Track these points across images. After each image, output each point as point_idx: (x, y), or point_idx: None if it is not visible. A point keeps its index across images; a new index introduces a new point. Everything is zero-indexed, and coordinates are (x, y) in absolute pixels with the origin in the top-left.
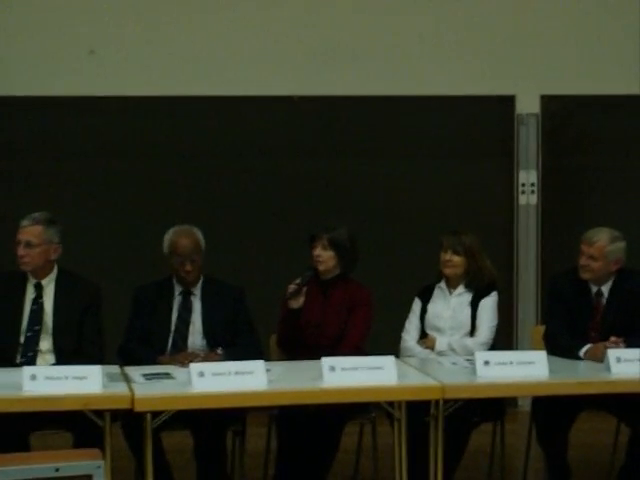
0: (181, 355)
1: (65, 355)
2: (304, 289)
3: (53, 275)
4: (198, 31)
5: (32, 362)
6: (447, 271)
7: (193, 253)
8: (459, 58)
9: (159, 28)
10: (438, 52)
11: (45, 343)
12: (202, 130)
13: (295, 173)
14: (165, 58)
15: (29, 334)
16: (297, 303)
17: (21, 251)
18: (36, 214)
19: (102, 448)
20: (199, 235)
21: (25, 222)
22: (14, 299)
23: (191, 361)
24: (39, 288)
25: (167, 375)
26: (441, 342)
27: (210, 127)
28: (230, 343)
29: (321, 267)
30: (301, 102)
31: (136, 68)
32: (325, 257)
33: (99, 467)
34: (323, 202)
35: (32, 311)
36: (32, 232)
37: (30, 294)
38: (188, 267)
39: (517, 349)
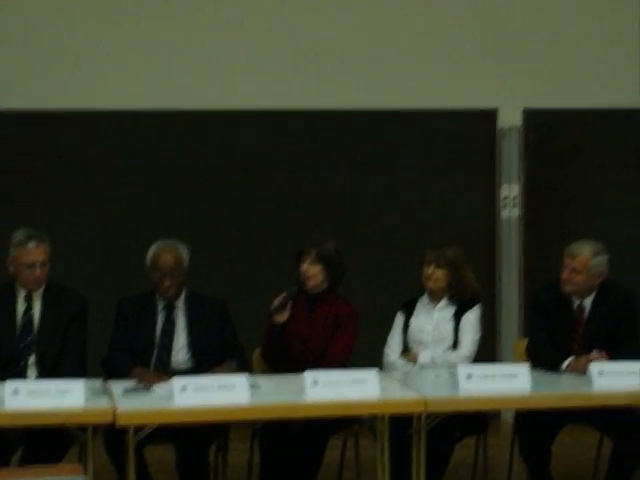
0: (151, 375)
1: (47, 367)
2: (289, 304)
3: (42, 286)
4: (186, 45)
5: (23, 372)
6: (429, 284)
7: (173, 269)
8: (441, 72)
9: (147, 42)
10: (420, 66)
11: (32, 355)
12: (188, 144)
13: (279, 187)
14: (153, 72)
15: (22, 345)
16: (282, 317)
17: (38, 272)
18: (32, 232)
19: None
20: (182, 251)
21: (32, 243)
22: (8, 311)
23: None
24: (29, 299)
25: (148, 389)
26: (424, 355)
27: (195, 141)
28: (216, 357)
29: (310, 282)
30: (286, 116)
31: (122, 81)
32: (313, 272)
33: None
34: (307, 216)
35: (23, 323)
36: (43, 251)
37: (21, 305)
38: (167, 283)
39: (500, 362)
